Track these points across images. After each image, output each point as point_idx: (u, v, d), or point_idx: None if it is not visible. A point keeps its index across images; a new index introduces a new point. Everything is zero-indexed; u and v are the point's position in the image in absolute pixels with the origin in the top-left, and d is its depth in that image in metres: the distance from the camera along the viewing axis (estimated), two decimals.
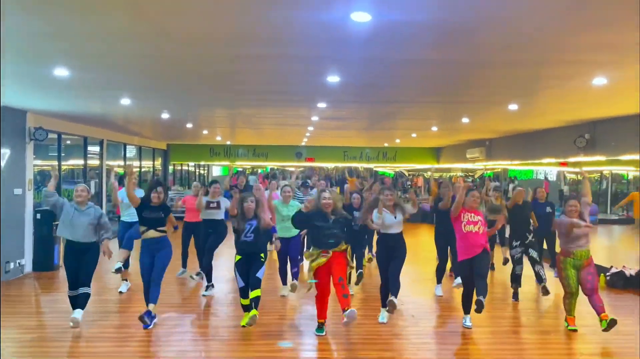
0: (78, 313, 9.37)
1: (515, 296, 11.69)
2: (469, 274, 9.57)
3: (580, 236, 9.48)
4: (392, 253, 9.70)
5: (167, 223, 9.70)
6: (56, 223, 13.98)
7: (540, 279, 11.63)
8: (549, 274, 12.77)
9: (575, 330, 9.62)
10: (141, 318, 9.26)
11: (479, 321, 9.90)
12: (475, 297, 9.43)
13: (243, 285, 9.45)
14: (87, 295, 9.54)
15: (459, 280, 11.82)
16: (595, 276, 9.64)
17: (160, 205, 9.50)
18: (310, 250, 9.27)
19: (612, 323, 9.14)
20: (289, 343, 9.18)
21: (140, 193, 11.01)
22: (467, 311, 9.85)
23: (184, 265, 13.18)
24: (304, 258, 9.61)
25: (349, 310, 8.61)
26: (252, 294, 9.38)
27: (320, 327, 9.35)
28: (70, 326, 9.29)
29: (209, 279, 11.97)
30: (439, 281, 12.09)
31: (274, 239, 10.72)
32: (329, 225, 9.11)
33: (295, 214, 9.86)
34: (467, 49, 7.59)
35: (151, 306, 9.45)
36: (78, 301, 9.47)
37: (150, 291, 9.42)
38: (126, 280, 12.02)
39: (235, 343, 9.05)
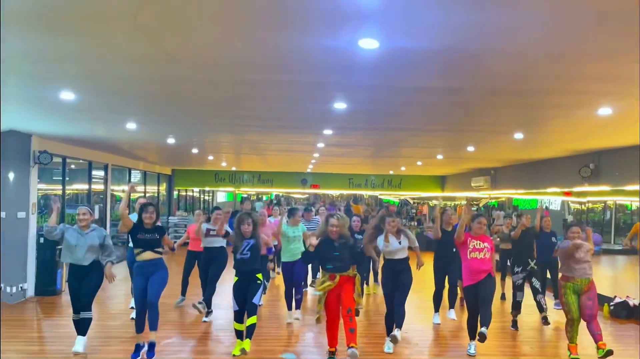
0: (80, 344, 9.28)
1: (514, 324, 11.63)
2: (475, 299, 9.54)
3: (582, 264, 9.44)
4: (398, 280, 9.61)
5: (163, 244, 9.45)
6: (59, 247, 14.02)
7: (541, 308, 11.60)
8: (550, 303, 12.78)
9: None
10: (148, 353, 9.21)
11: (483, 349, 9.83)
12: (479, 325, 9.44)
13: (237, 308, 9.29)
14: (89, 320, 9.43)
15: (452, 314, 11.82)
16: (596, 302, 9.57)
17: (153, 227, 9.31)
18: (319, 276, 9.19)
19: (609, 353, 9.06)
20: (292, 355, 9.33)
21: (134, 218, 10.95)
22: (472, 336, 9.80)
23: (183, 293, 13.04)
24: (314, 286, 9.46)
25: (351, 349, 8.60)
26: (248, 321, 9.21)
27: (332, 355, 9.21)
28: (72, 353, 9.24)
29: (209, 305, 11.83)
30: (436, 309, 12.02)
31: (268, 261, 10.54)
32: (335, 249, 9.00)
33: (303, 253, 9.83)
34: (474, 77, 7.59)
35: (153, 334, 9.26)
36: (79, 327, 9.39)
37: (149, 318, 9.19)
38: None
39: None
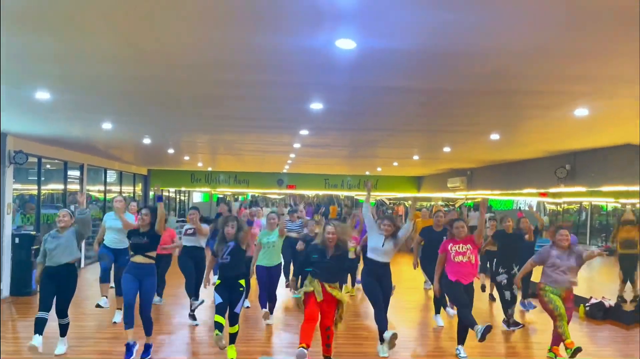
0: (61, 346, 9.44)
1: (515, 323, 11.52)
2: (464, 293, 9.45)
3: (561, 273, 9.43)
4: (380, 283, 9.49)
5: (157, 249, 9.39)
6: (35, 247, 13.91)
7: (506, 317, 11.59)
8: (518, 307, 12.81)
9: (580, 349, 9.52)
10: (143, 353, 9.24)
11: (471, 350, 9.80)
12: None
13: (221, 301, 9.11)
14: (67, 325, 9.51)
15: (440, 321, 11.77)
16: (573, 310, 9.62)
17: (148, 230, 9.20)
18: (306, 281, 8.99)
19: (577, 351, 9.10)
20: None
21: (131, 217, 10.88)
22: (463, 338, 9.78)
23: (160, 294, 12.95)
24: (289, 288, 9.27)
25: None
26: (231, 330, 9.28)
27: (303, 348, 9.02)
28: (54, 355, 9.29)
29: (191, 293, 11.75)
30: (437, 311, 11.95)
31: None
32: (327, 260, 8.83)
33: (301, 259, 9.68)
34: (451, 77, 7.61)
35: (148, 339, 9.31)
36: (60, 331, 9.48)
37: (144, 327, 9.21)
38: (106, 296, 11.66)
39: None
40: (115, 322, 11.40)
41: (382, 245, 9.43)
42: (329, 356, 9.00)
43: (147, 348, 9.29)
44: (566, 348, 9.58)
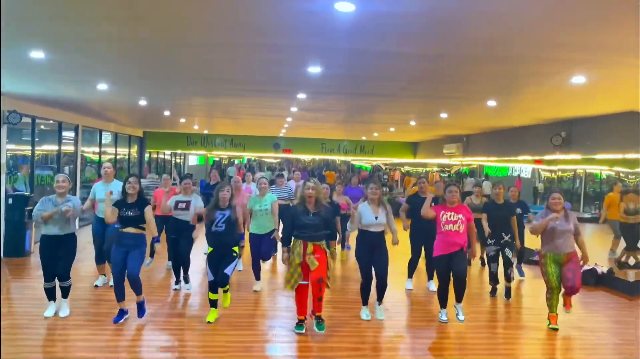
0: (65, 310, 9.49)
1: (493, 292, 11.60)
2: (446, 269, 9.48)
3: (560, 238, 9.41)
4: (375, 255, 9.50)
5: (146, 224, 9.22)
6: (29, 208, 13.87)
7: (508, 279, 11.58)
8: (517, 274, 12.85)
9: (556, 329, 9.58)
10: (140, 312, 9.31)
11: (454, 315, 9.84)
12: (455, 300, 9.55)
13: (212, 279, 9.23)
14: (69, 287, 9.52)
15: (432, 286, 11.78)
16: (577, 274, 9.49)
17: (136, 200, 9.12)
18: (292, 243, 9.03)
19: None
20: None
21: (117, 185, 10.80)
22: (443, 305, 9.79)
23: (152, 255, 12.78)
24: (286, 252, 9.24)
25: (318, 325, 8.89)
26: (222, 291, 9.38)
27: (300, 324, 9.07)
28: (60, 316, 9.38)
29: (178, 275, 11.50)
30: (409, 275, 12.02)
31: (240, 244, 10.26)
32: (309, 218, 8.90)
33: (282, 238, 9.59)
34: (449, 43, 7.57)
35: (140, 297, 9.26)
36: (62, 293, 9.49)
37: (134, 289, 9.16)
38: (104, 275, 11.60)
39: (207, 333, 8.94)
40: (96, 285, 11.43)
41: (376, 218, 9.45)
42: (319, 314, 8.98)
43: (140, 306, 9.31)
44: (548, 320, 9.66)
